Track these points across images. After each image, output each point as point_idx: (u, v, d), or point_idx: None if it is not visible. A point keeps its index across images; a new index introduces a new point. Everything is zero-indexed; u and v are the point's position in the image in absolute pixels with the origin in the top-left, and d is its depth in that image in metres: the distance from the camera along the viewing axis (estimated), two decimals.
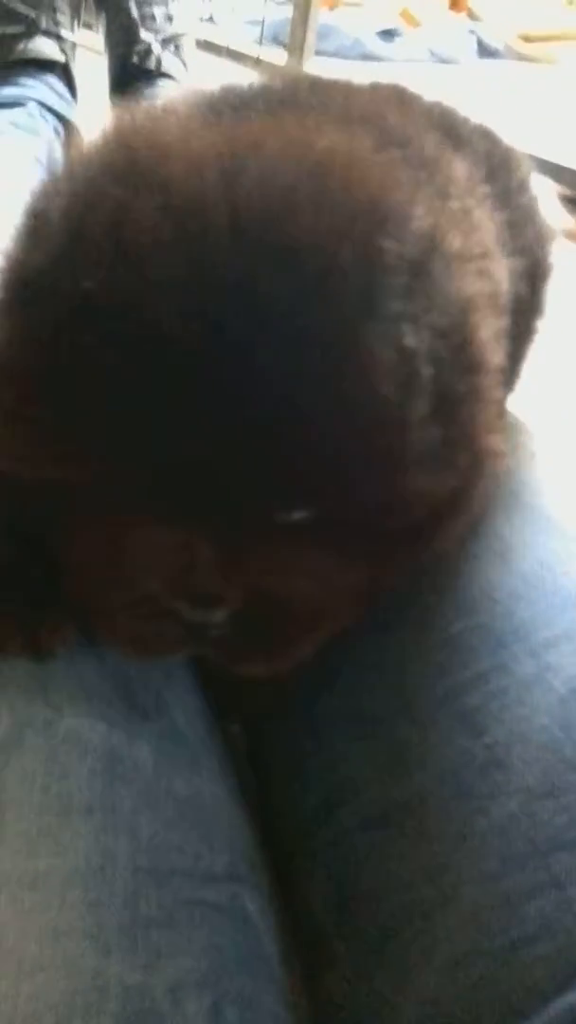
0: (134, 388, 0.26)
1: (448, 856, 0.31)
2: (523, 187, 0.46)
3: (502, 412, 0.35)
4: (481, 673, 0.34)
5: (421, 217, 0.29)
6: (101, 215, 0.27)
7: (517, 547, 0.38)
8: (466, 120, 0.43)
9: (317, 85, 0.39)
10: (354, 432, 0.27)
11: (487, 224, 0.38)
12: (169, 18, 1.20)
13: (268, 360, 0.25)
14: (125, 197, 0.27)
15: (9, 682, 0.32)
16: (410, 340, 0.27)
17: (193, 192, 0.26)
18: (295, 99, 0.37)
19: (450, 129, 0.41)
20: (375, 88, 0.41)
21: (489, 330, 0.32)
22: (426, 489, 0.29)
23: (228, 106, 0.37)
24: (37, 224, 0.29)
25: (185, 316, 0.25)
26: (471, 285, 0.31)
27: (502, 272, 0.38)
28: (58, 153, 1.04)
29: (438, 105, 0.43)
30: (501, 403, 0.34)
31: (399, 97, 0.41)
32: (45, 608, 0.32)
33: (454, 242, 0.30)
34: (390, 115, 0.36)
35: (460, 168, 0.38)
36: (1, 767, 0.30)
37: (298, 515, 0.29)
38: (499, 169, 0.43)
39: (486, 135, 0.44)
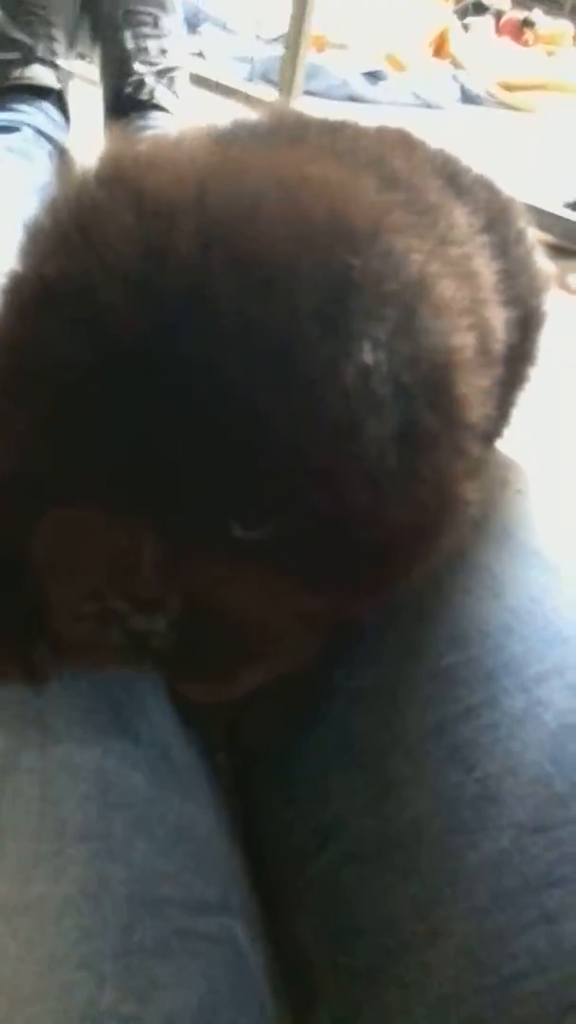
0: (87, 375, 0.26)
1: (439, 891, 0.31)
2: (520, 238, 0.47)
3: (478, 464, 0.35)
4: (472, 707, 0.34)
5: (416, 248, 0.29)
6: (75, 212, 0.28)
7: (508, 582, 0.39)
8: (468, 169, 0.44)
9: (326, 126, 0.40)
10: (300, 442, 0.27)
11: (485, 272, 0.39)
12: (163, 51, 1.22)
13: (216, 360, 0.26)
14: (101, 197, 0.28)
15: (4, 706, 0.31)
16: (368, 358, 0.27)
17: (166, 198, 0.27)
18: (304, 136, 0.38)
19: (452, 177, 0.42)
20: (381, 131, 0.42)
21: (472, 386, 0.32)
22: (378, 513, 0.29)
23: (236, 139, 0.38)
24: (28, 232, 0.30)
25: (140, 305, 0.26)
26: (459, 337, 0.31)
27: (498, 321, 0.39)
28: (50, 178, 1.05)
29: (441, 152, 0.44)
30: (478, 455, 0.34)
31: (404, 142, 0.42)
32: (40, 634, 0.32)
33: (446, 290, 0.31)
34: (396, 159, 0.37)
35: (461, 216, 0.39)
36: None
37: (245, 530, 0.28)
38: (498, 219, 0.44)
39: (486, 185, 0.45)
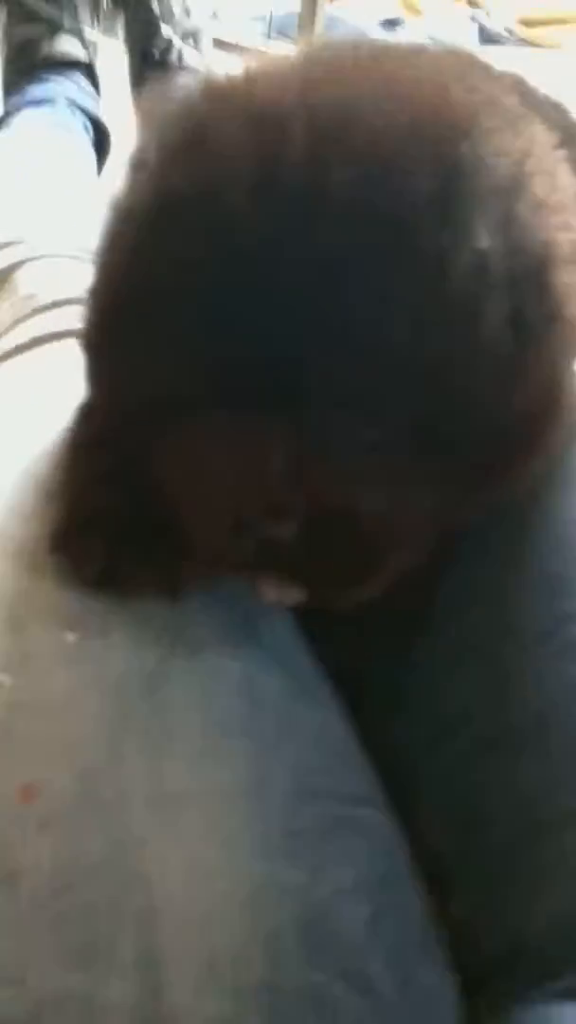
0: (214, 280, 0.27)
1: (571, 773, 0.32)
2: None
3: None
4: None
5: (509, 147, 0.30)
6: (187, 129, 0.30)
7: None
8: (536, 89, 0.45)
9: (399, 47, 0.41)
10: (424, 325, 0.27)
11: (568, 182, 0.39)
12: (187, 12, 1.22)
13: (338, 253, 0.27)
14: (210, 111, 0.29)
15: (152, 617, 0.33)
16: (483, 243, 0.27)
17: (273, 104, 0.29)
18: (385, 54, 0.38)
19: (525, 95, 0.42)
20: (451, 52, 0.43)
21: (568, 282, 0.33)
22: (499, 399, 0.30)
23: (326, 55, 0.38)
24: (136, 160, 0.31)
25: (259, 207, 0.27)
26: (554, 234, 0.32)
27: None
28: (87, 147, 1.06)
29: (509, 72, 0.44)
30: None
31: (471, 60, 0.43)
32: (178, 548, 0.34)
33: (540, 189, 0.32)
34: (473, 73, 0.38)
35: (540, 130, 0.39)
36: (160, 692, 0.31)
37: (368, 427, 0.29)
38: (571, 138, 0.44)
39: (556, 106, 0.46)
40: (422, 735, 0.37)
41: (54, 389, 0.44)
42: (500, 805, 0.34)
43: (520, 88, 0.43)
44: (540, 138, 0.38)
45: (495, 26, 2.38)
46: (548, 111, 0.45)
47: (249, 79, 0.30)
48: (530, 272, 0.30)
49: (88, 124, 1.10)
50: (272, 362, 0.28)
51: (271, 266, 0.27)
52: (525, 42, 2.38)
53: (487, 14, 2.39)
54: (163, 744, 0.31)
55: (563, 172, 0.39)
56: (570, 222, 0.36)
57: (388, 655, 0.40)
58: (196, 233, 0.28)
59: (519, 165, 0.31)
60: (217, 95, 0.30)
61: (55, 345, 0.53)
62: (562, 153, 0.40)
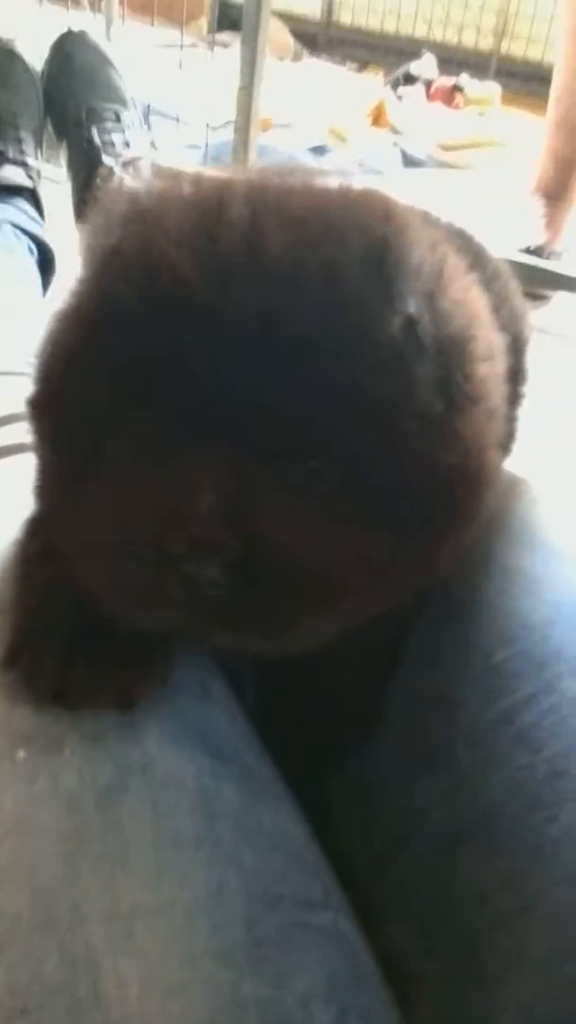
0: (152, 326, 0.29)
1: (525, 864, 0.33)
2: (497, 274, 0.52)
3: (498, 465, 0.38)
4: (531, 695, 0.37)
5: (428, 254, 0.33)
6: (136, 209, 0.32)
7: (542, 579, 0.41)
8: (439, 218, 0.49)
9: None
10: (353, 376, 0.29)
11: (480, 297, 0.43)
12: (127, 144, 1.29)
13: (269, 302, 0.29)
14: (156, 196, 0.32)
15: (105, 731, 0.33)
16: (411, 307, 0.30)
17: (215, 188, 0.31)
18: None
19: (434, 223, 0.46)
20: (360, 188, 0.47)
21: (489, 373, 0.35)
22: (430, 455, 0.31)
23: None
24: (87, 246, 0.34)
25: (197, 260, 0.29)
26: (474, 330, 0.35)
27: (497, 341, 0.43)
28: (32, 269, 1.10)
29: (417, 207, 0.48)
30: (497, 458, 0.37)
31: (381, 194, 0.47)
32: (130, 659, 0.34)
33: (458, 292, 0.34)
34: (389, 201, 0.41)
35: (453, 251, 0.43)
36: (114, 808, 0.31)
37: (305, 469, 0.30)
38: (478, 260, 0.48)
39: (460, 233, 0.50)
40: (384, 840, 0.38)
41: (9, 503, 0.45)
42: (457, 902, 0.34)
43: (429, 218, 0.47)
44: (452, 259, 0.41)
45: (416, 151, 2.57)
46: (454, 237, 0.49)
47: (191, 179, 0.33)
48: (456, 346, 0.32)
49: (32, 246, 1.14)
50: (206, 402, 0.29)
51: (207, 313, 0.29)
52: (444, 164, 2.57)
53: (407, 140, 2.58)
54: (119, 860, 0.30)
55: (476, 292, 0.42)
56: (486, 329, 0.39)
57: (352, 756, 0.41)
58: (134, 281, 0.29)
59: (439, 263, 0.33)
60: (160, 190, 0.32)
61: (4, 460, 0.54)
62: (473, 276, 0.44)
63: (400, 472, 0.31)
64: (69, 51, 1.22)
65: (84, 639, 0.35)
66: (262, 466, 0.29)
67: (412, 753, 0.38)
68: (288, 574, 0.30)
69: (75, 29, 1.27)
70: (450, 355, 0.31)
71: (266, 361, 0.29)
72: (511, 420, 0.51)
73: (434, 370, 0.31)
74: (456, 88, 2.74)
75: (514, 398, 0.51)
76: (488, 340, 0.36)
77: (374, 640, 0.41)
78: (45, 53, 1.27)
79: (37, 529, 0.40)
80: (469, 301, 0.35)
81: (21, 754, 0.33)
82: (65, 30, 1.27)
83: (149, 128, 2.08)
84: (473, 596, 0.40)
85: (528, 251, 1.66)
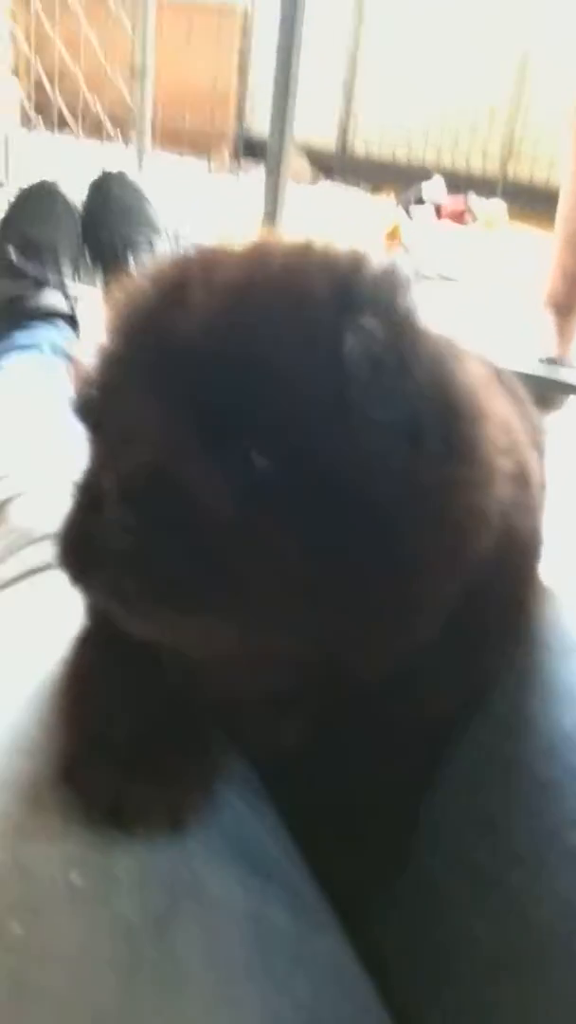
0: (133, 364, 0.34)
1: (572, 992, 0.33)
2: (513, 388, 0.55)
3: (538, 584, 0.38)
4: None
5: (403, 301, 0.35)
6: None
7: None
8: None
9: None
10: (315, 382, 0.31)
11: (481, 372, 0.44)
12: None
13: (214, 329, 0.33)
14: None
15: (155, 852, 0.34)
16: (378, 333, 0.32)
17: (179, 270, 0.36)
18: None
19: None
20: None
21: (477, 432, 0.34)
22: (383, 502, 0.31)
23: None
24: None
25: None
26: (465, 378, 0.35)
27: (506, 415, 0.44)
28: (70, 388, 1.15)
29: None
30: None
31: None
32: (181, 778, 0.35)
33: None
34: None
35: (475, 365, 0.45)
36: (168, 935, 0.31)
37: (241, 451, 0.31)
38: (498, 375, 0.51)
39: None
40: (428, 961, 0.37)
41: (50, 620, 0.47)
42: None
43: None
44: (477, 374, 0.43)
45: (427, 267, 2.69)
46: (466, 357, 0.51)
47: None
48: (430, 391, 0.32)
49: (69, 367, 1.19)
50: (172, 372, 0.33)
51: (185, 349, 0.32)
52: (455, 279, 2.68)
53: (419, 257, 2.70)
54: (174, 988, 0.30)
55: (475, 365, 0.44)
56: (480, 395, 0.40)
57: (399, 880, 0.41)
58: (123, 336, 0.35)
59: (407, 314, 0.35)
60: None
61: (49, 575, 0.56)
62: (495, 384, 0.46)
63: (335, 494, 0.31)
64: (107, 190, 1.31)
65: (139, 759, 0.35)
66: (201, 430, 0.31)
67: (463, 877, 0.38)
68: (197, 550, 0.31)
69: (112, 168, 1.37)
70: (425, 399, 0.32)
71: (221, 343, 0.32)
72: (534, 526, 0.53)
73: (403, 412, 0.31)
74: (466, 208, 2.89)
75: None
76: (480, 404, 0.35)
77: (408, 757, 0.42)
78: (81, 184, 1.37)
79: (86, 646, 0.41)
80: (453, 360, 0.35)
81: (75, 877, 0.33)
82: (103, 169, 1.37)
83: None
84: (513, 711, 0.41)
85: (542, 361, 1.71)
